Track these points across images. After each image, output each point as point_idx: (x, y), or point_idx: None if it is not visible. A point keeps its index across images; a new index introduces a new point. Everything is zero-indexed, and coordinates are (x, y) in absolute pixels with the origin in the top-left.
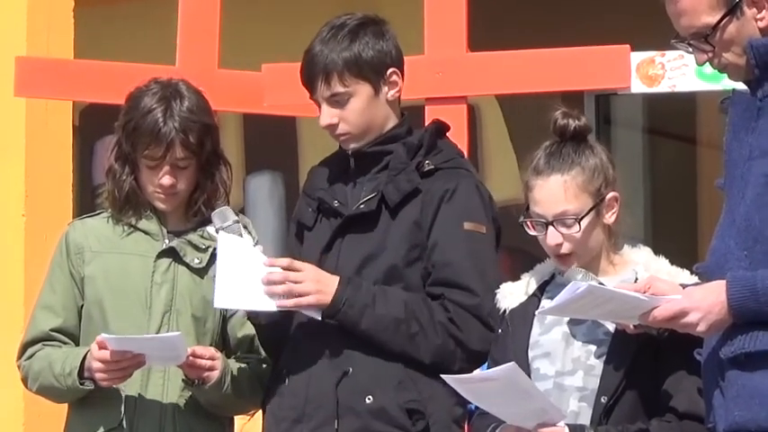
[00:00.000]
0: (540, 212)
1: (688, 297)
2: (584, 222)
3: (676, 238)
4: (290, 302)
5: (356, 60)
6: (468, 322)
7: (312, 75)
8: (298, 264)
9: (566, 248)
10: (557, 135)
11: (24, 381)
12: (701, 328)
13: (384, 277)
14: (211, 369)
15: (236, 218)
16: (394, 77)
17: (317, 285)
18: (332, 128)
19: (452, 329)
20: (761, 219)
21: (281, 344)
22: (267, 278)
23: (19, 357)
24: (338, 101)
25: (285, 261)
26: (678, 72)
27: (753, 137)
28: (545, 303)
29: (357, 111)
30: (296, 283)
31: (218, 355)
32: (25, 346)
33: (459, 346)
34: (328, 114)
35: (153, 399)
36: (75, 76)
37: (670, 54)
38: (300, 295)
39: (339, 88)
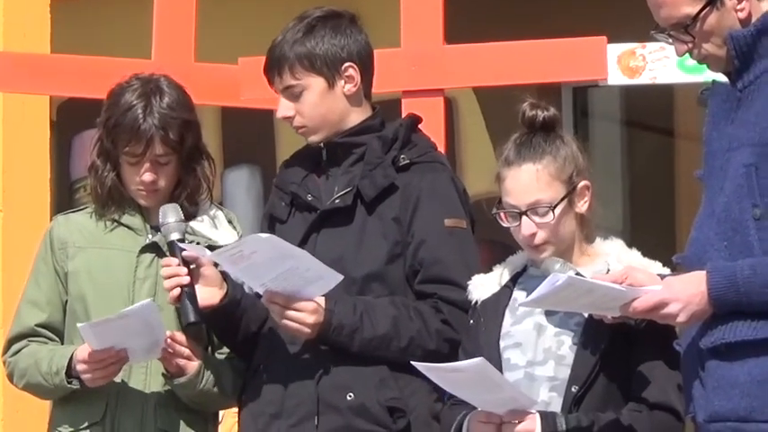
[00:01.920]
0: (513, 203)
1: (668, 288)
2: (558, 210)
3: (655, 230)
4: (280, 322)
5: (308, 54)
6: (463, 319)
7: (268, 67)
8: (297, 303)
9: (540, 238)
10: (526, 126)
11: (10, 377)
12: (681, 318)
13: (364, 276)
14: (189, 359)
15: (181, 218)
16: (350, 72)
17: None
18: (288, 120)
19: (448, 333)
20: (740, 209)
21: (237, 338)
22: (269, 297)
23: (4, 353)
24: (292, 93)
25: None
26: (659, 64)
27: (732, 128)
28: (517, 295)
29: (311, 104)
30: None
31: (198, 349)
32: (10, 342)
33: (455, 347)
34: (284, 107)
35: (135, 393)
36: (53, 70)
37: (651, 46)
38: (294, 320)
39: (291, 81)
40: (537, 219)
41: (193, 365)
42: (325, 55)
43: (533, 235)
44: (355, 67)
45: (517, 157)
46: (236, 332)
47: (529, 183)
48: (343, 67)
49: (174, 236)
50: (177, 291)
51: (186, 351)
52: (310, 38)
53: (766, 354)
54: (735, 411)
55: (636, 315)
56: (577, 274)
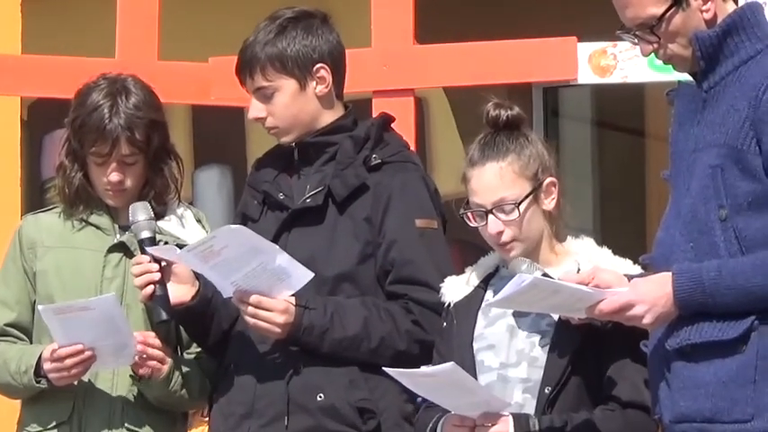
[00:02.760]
0: (479, 202)
1: (634, 289)
2: (523, 207)
3: (625, 230)
4: (250, 321)
5: (279, 56)
6: (433, 320)
7: (240, 68)
8: (268, 303)
9: (507, 236)
10: (490, 126)
11: None
12: (646, 320)
13: (335, 276)
14: (162, 361)
15: (150, 216)
16: (322, 73)
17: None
18: (260, 121)
19: (418, 334)
20: (706, 210)
21: (209, 337)
22: (239, 296)
23: None
24: (264, 95)
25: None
26: (630, 63)
27: (698, 129)
28: (489, 296)
29: (282, 105)
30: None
31: (168, 350)
32: None
33: (425, 348)
34: (256, 108)
35: (102, 393)
36: (23, 71)
37: (622, 45)
38: (264, 320)
39: (262, 82)
40: (503, 216)
41: (164, 368)
42: (297, 56)
43: (500, 233)
44: (327, 68)
45: (481, 156)
46: (207, 330)
47: (493, 181)
48: (314, 69)
49: (145, 234)
50: (150, 288)
51: (160, 354)
52: (282, 39)
53: (732, 355)
54: (700, 412)
55: (602, 317)
56: (544, 274)
